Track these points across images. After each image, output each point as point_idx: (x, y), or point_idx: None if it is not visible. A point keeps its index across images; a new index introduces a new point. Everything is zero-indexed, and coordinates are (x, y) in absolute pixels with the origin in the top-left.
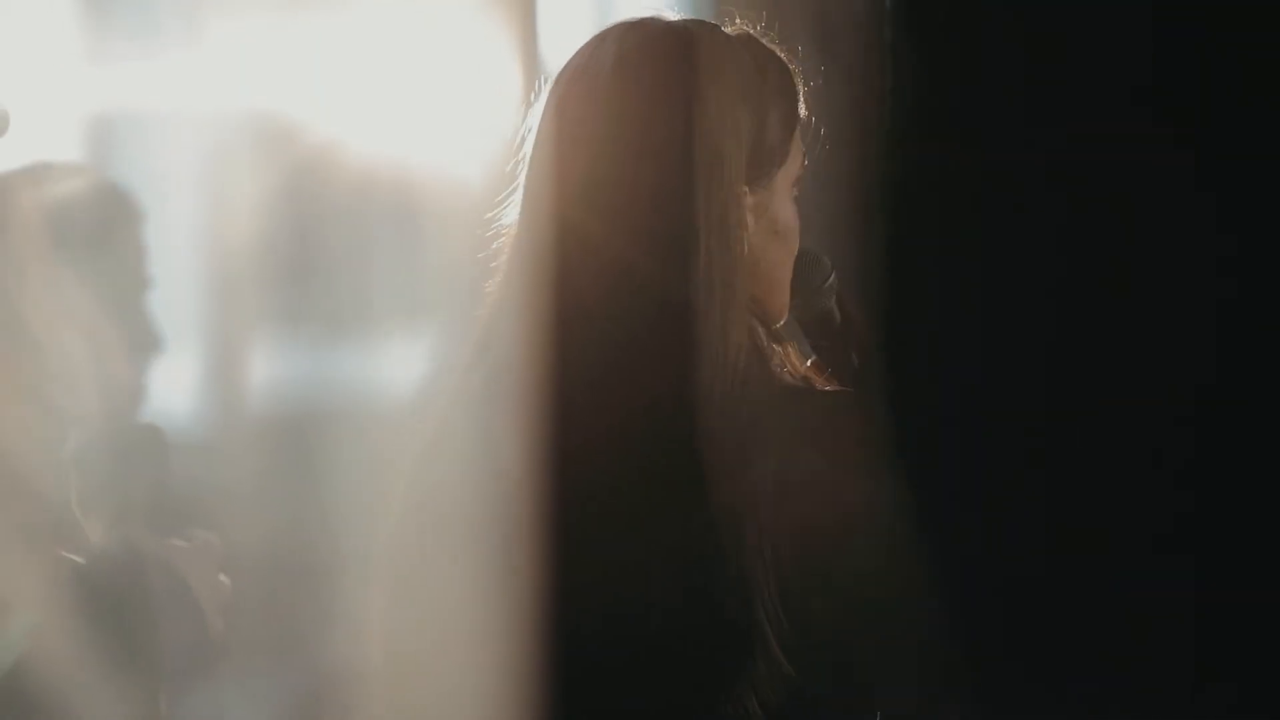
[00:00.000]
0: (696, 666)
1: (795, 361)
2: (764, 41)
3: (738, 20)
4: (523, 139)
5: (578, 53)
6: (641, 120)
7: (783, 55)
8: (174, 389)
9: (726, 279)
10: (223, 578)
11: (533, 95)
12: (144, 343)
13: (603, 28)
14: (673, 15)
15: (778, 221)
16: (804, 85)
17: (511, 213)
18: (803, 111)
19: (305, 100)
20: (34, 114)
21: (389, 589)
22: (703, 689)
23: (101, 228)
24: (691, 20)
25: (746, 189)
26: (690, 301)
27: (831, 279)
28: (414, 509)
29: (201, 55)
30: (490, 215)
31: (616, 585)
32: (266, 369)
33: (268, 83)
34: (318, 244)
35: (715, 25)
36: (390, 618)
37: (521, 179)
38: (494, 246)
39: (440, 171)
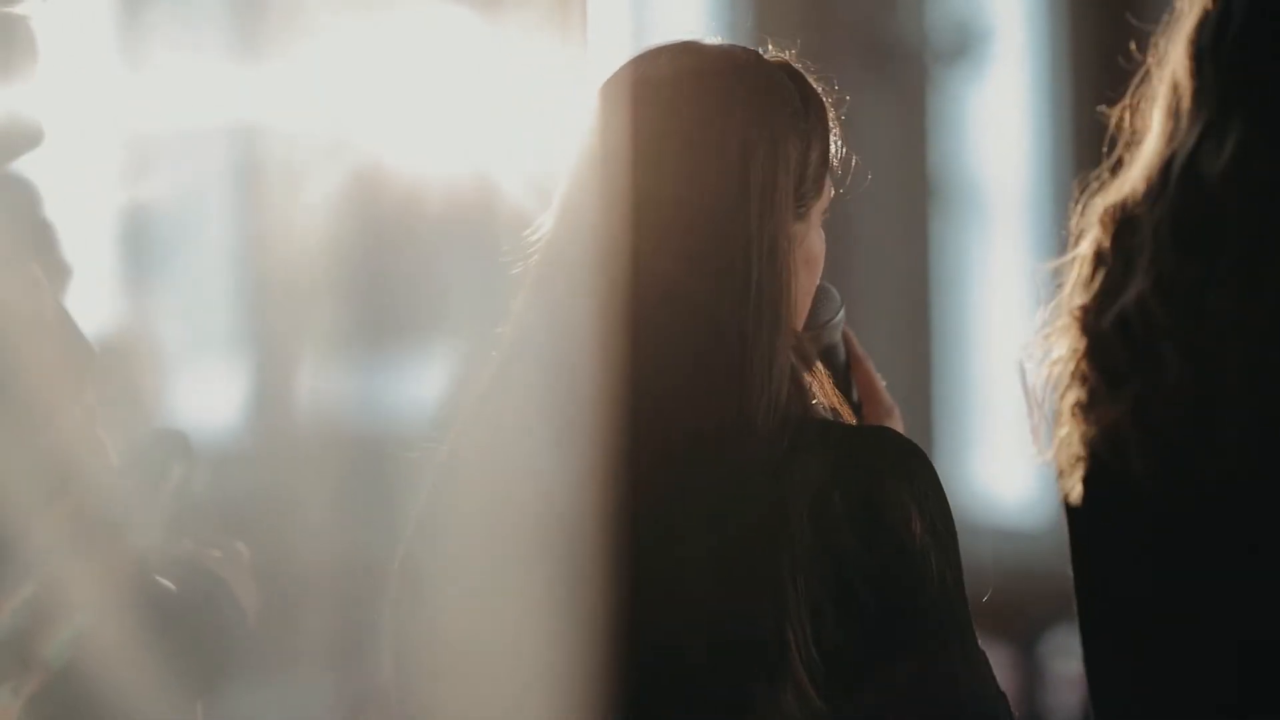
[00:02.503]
0: (727, 692)
1: (827, 389)
2: (804, 72)
3: (770, 47)
4: (567, 150)
5: (628, 68)
6: (699, 142)
7: (821, 89)
8: (223, 400)
9: (775, 307)
10: (252, 585)
11: (578, 108)
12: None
13: (649, 47)
14: (715, 40)
15: (809, 253)
16: (838, 120)
17: (545, 226)
18: (835, 146)
19: (355, 115)
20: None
21: (435, 600)
22: (732, 713)
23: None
24: (738, 46)
25: (792, 217)
26: (742, 328)
27: (840, 314)
28: (458, 524)
29: (250, 69)
30: (529, 231)
31: (660, 607)
32: (313, 382)
33: (321, 98)
34: (366, 259)
35: (757, 52)
36: (437, 629)
37: (561, 192)
38: (525, 262)
39: (490, 186)
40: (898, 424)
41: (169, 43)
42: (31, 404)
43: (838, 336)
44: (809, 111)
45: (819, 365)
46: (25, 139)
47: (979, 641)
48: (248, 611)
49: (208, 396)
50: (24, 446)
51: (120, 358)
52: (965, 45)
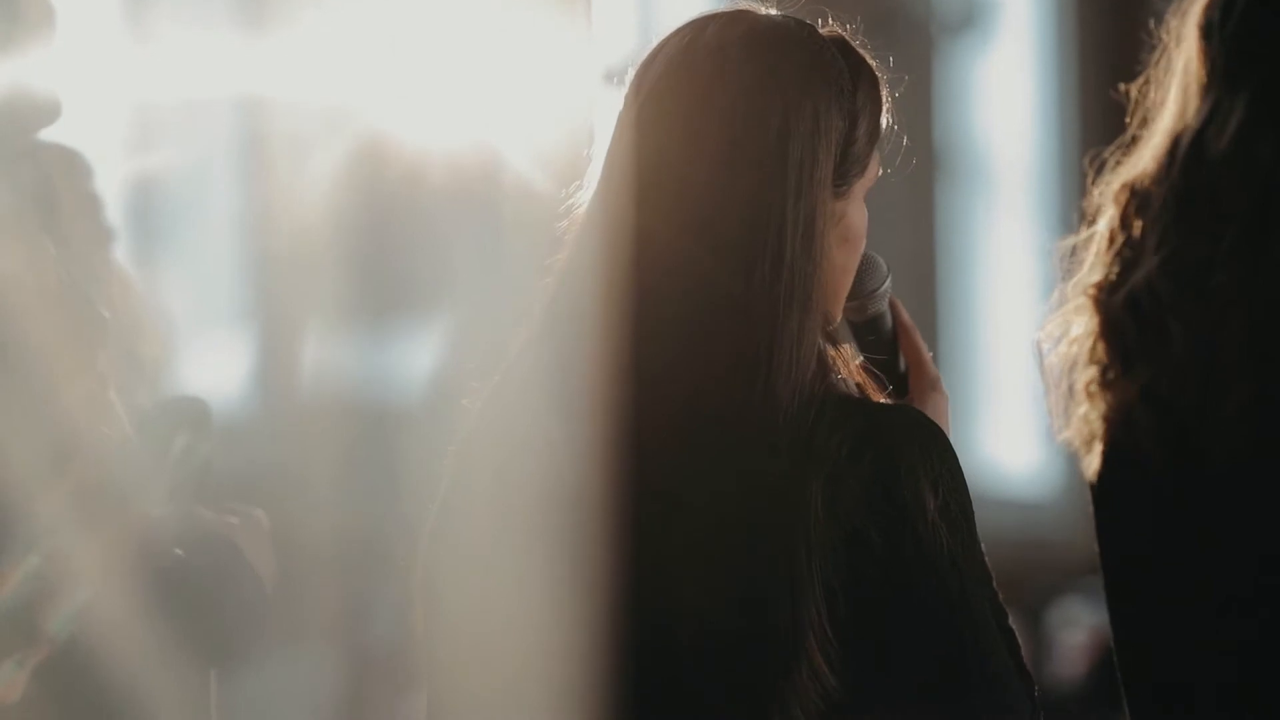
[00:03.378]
0: (742, 671)
1: (851, 367)
2: (857, 48)
3: (830, 21)
4: (599, 125)
5: (671, 39)
6: (739, 116)
7: (873, 64)
8: (229, 371)
9: (806, 288)
10: (269, 554)
11: (615, 81)
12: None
13: (701, 14)
14: (769, 10)
15: (850, 229)
16: (889, 97)
17: (583, 199)
18: (885, 122)
19: (360, 87)
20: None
21: (448, 572)
22: (746, 692)
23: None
24: (791, 18)
25: (830, 195)
26: (773, 308)
27: (887, 283)
28: (474, 495)
29: (255, 41)
30: (558, 204)
31: (675, 582)
32: (318, 354)
33: (330, 71)
34: (371, 230)
35: (812, 26)
36: (448, 601)
37: (599, 166)
38: (560, 235)
39: (494, 158)
40: (943, 394)
41: (174, 14)
42: (41, 374)
43: (884, 306)
44: (858, 88)
45: (844, 344)
46: (43, 113)
47: (1004, 622)
48: (264, 579)
49: (213, 368)
50: (33, 417)
51: (128, 329)
52: (971, 17)
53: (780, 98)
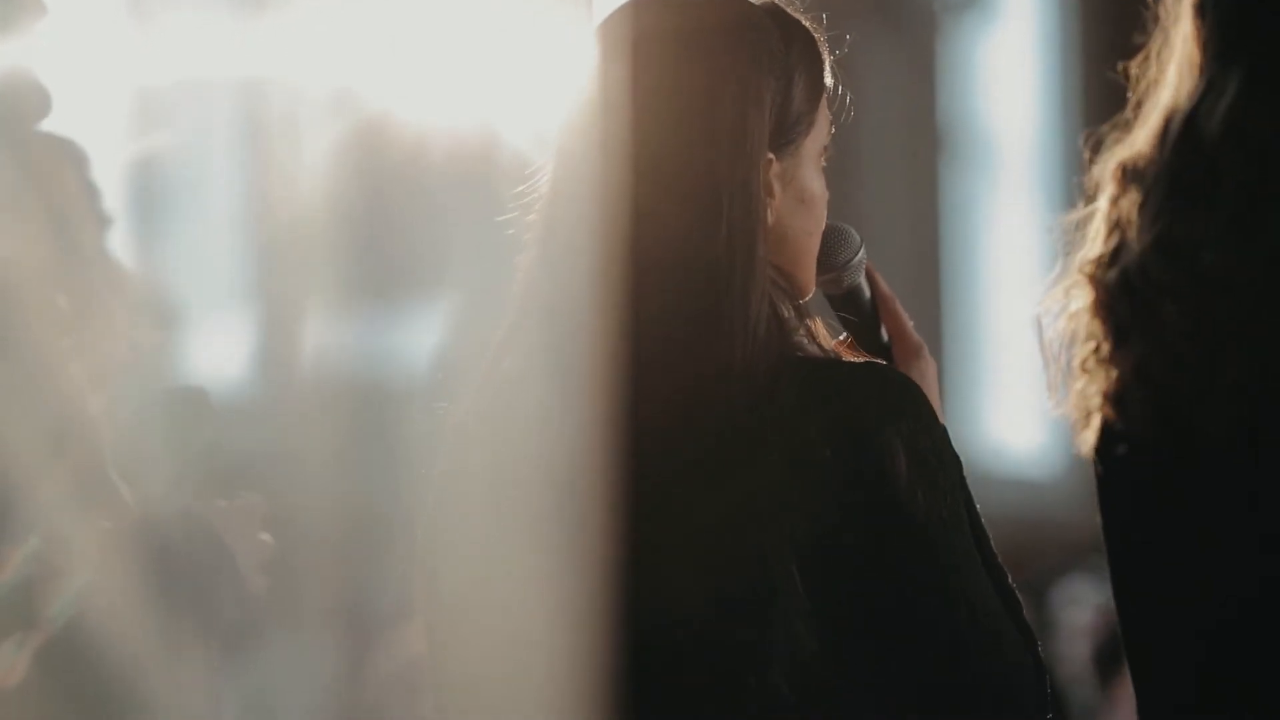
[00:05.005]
0: (720, 637)
1: (823, 336)
2: (789, 11)
3: None
4: (562, 108)
5: (609, 21)
6: (667, 88)
7: (808, 24)
8: (230, 354)
9: (748, 245)
10: (265, 537)
11: (577, 64)
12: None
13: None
14: None
15: (804, 191)
16: (830, 54)
17: (543, 183)
18: (829, 80)
19: (360, 68)
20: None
21: (448, 553)
22: (723, 660)
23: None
24: None
25: (772, 156)
26: (714, 269)
27: (860, 254)
28: (472, 476)
29: (254, 22)
30: (529, 184)
31: (662, 557)
32: (317, 335)
33: (329, 53)
34: (371, 212)
35: None
36: (447, 582)
37: (555, 146)
38: (527, 214)
39: (494, 139)
40: (928, 362)
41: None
42: (40, 360)
43: (860, 278)
44: (790, 48)
45: (817, 315)
46: (34, 109)
47: (1003, 581)
48: (244, 568)
49: (214, 351)
50: (29, 401)
51: (126, 311)
52: None
53: (704, 64)
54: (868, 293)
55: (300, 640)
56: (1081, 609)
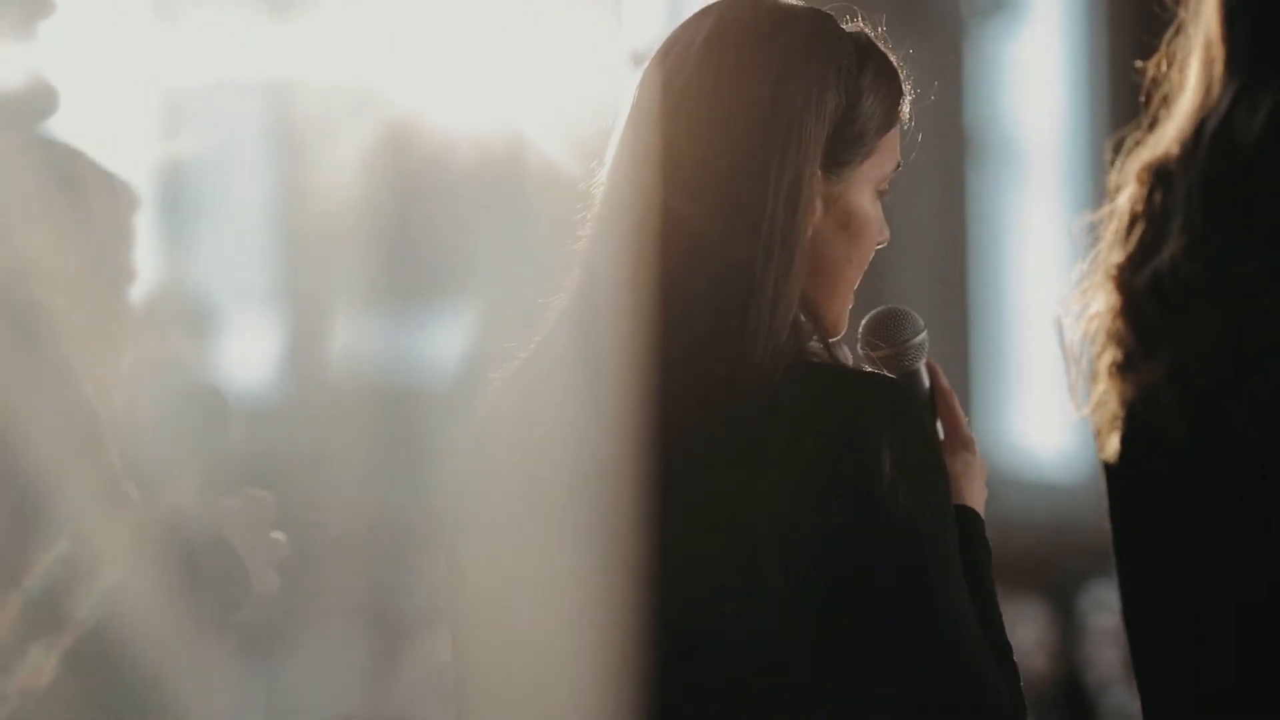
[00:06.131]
0: (721, 628)
1: (847, 357)
2: (876, 42)
3: (859, 19)
4: (618, 111)
5: (682, 25)
6: (727, 87)
7: (894, 59)
8: (258, 354)
9: (787, 248)
10: (277, 535)
11: (642, 64)
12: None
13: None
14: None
15: (851, 216)
16: (911, 94)
17: (599, 184)
18: (904, 115)
19: (388, 70)
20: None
21: (475, 551)
22: (728, 652)
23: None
24: (798, 5)
25: (819, 172)
26: (750, 265)
27: (922, 337)
28: (499, 475)
29: (283, 25)
30: (580, 188)
31: (686, 556)
32: (349, 336)
33: (357, 55)
34: (398, 213)
35: (823, 12)
36: (474, 580)
37: (612, 151)
38: (582, 218)
39: (520, 142)
40: (976, 458)
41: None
42: (66, 360)
43: (919, 364)
44: (863, 71)
45: (845, 347)
46: (39, 107)
47: (988, 594)
48: (253, 567)
49: (242, 351)
50: (57, 405)
51: (154, 313)
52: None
53: (768, 68)
54: (926, 382)
55: (329, 641)
56: (1108, 613)
